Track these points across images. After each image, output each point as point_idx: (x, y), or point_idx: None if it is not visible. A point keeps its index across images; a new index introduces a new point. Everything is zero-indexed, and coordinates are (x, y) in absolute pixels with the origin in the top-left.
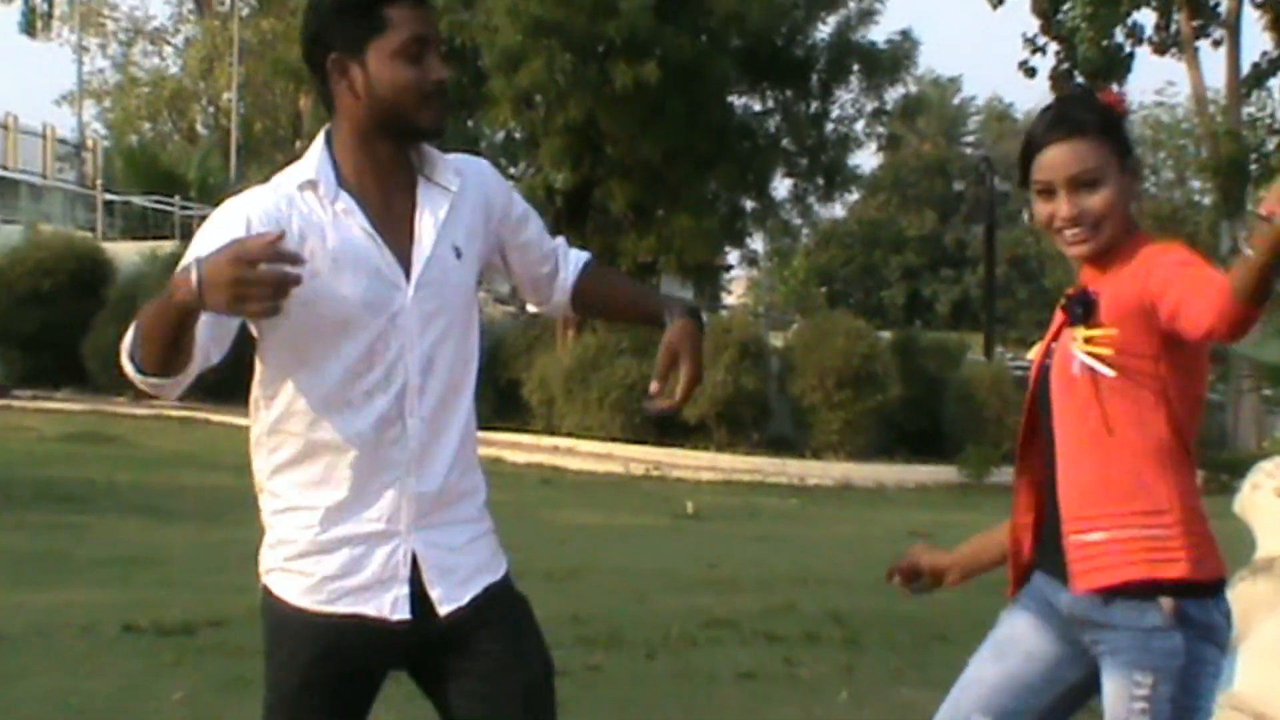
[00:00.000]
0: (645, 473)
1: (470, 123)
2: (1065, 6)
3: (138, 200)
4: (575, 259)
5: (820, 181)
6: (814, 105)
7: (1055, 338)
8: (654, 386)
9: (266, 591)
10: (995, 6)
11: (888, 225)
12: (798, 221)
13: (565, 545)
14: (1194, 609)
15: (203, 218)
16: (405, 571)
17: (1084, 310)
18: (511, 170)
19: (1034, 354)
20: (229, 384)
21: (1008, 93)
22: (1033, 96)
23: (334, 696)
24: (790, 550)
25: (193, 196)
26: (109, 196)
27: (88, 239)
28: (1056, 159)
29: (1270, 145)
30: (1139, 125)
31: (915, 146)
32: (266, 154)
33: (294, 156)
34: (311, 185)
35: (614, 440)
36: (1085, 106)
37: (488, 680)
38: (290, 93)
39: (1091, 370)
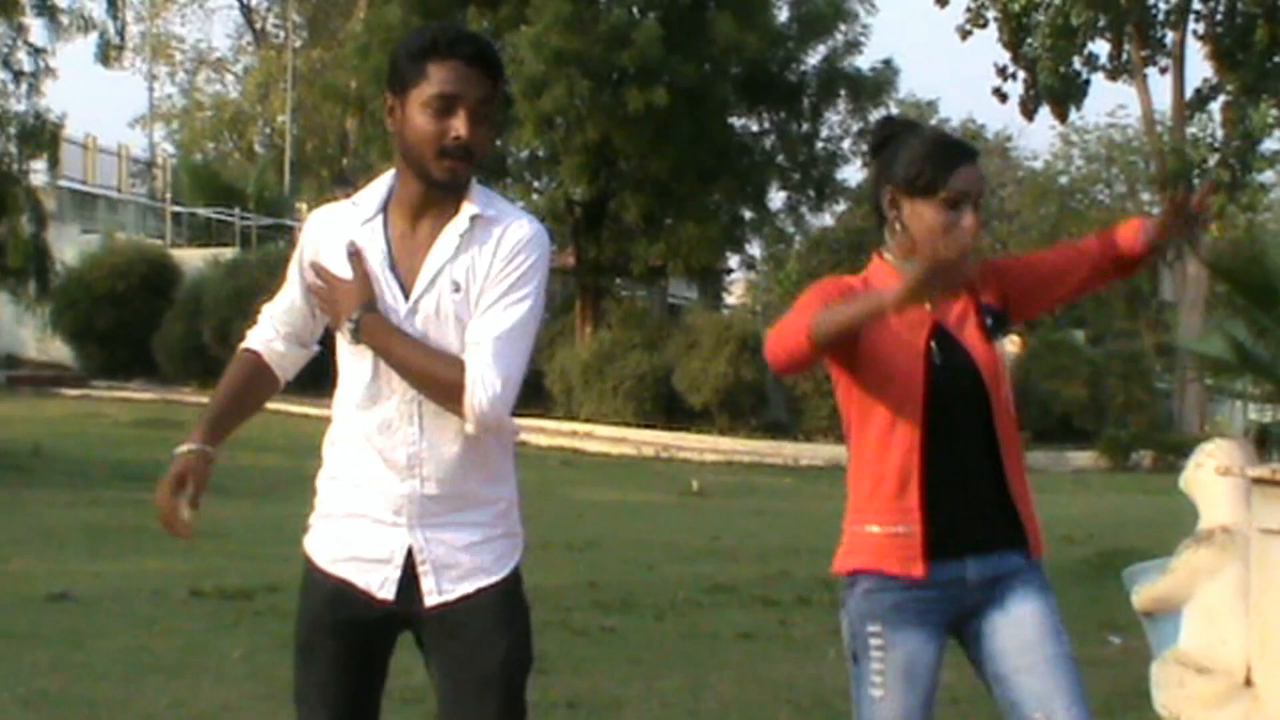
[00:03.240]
0: (655, 454)
1: (499, 142)
2: (1029, 38)
3: (202, 212)
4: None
5: (811, 193)
6: (805, 125)
7: (932, 336)
8: None
9: (304, 546)
10: (964, 38)
11: (871, 233)
12: (791, 229)
13: (583, 519)
14: None
15: (260, 227)
16: (400, 559)
17: (998, 322)
18: (535, 184)
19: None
20: None
21: (979, 114)
22: (1002, 118)
23: (341, 644)
24: (784, 523)
25: (251, 208)
26: (176, 208)
27: (157, 246)
28: (974, 177)
29: (1211, 162)
30: (1094, 144)
31: None
32: (316, 170)
33: (340, 171)
34: (356, 205)
35: (627, 425)
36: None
37: (455, 667)
38: (338, 115)
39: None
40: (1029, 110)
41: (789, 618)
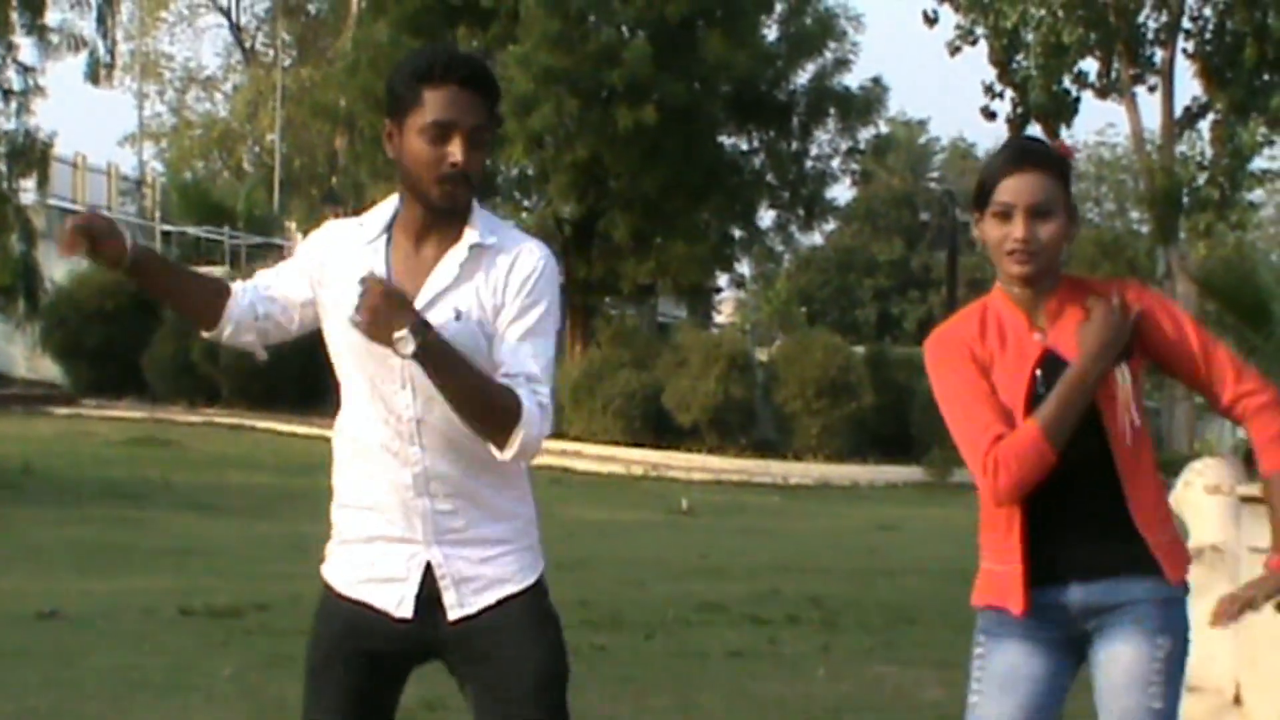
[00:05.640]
0: (644, 473)
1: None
2: (1018, 56)
3: (191, 230)
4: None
5: (800, 212)
6: (795, 144)
7: (1039, 365)
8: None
9: (322, 573)
10: (953, 54)
11: (861, 251)
12: (780, 248)
13: (573, 538)
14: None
15: (249, 246)
16: (417, 576)
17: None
18: (524, 203)
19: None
20: (272, 393)
21: (969, 133)
22: (992, 137)
23: (352, 673)
24: (774, 542)
25: (240, 227)
26: (166, 227)
27: None
28: (1020, 186)
29: (1200, 180)
30: (1084, 162)
31: (885, 181)
32: (305, 188)
33: (329, 190)
34: (362, 225)
35: (616, 444)
36: (1045, 149)
37: (491, 686)
38: (327, 133)
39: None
40: (1017, 128)
41: (778, 636)
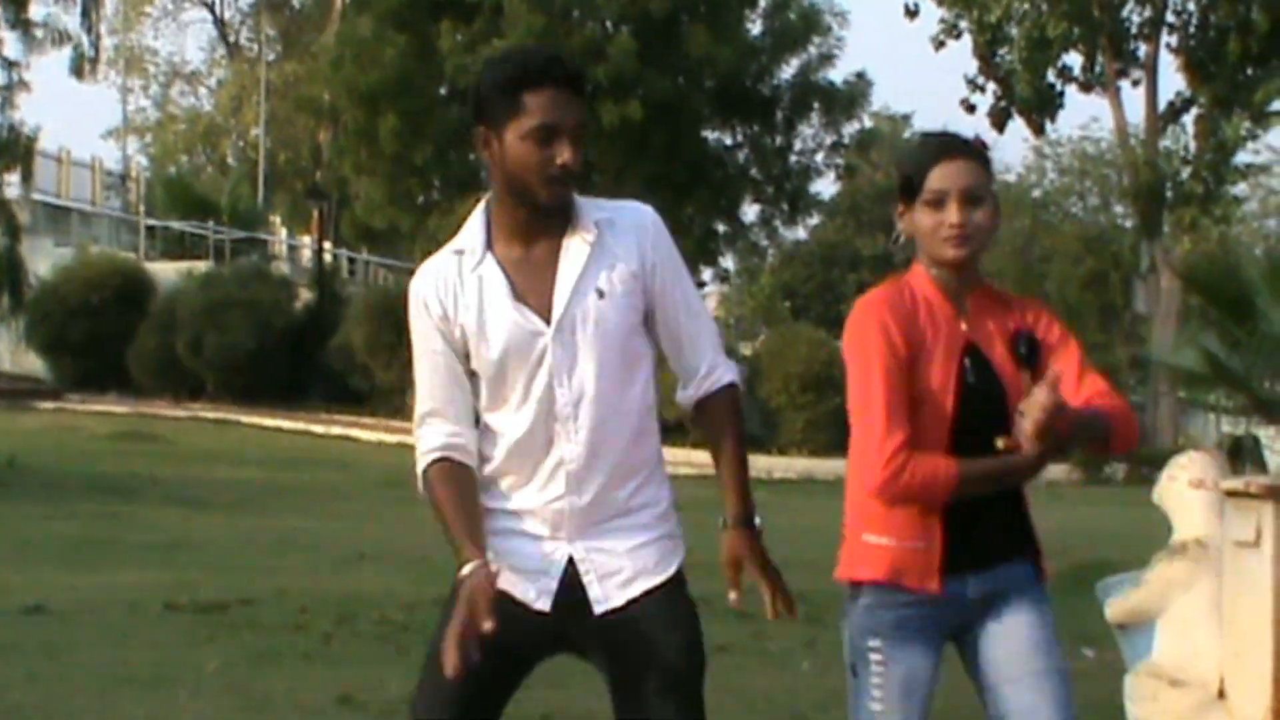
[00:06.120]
0: None
1: (472, 156)
2: (1002, 50)
3: (176, 225)
4: (718, 375)
5: (784, 207)
6: (779, 139)
7: (966, 354)
8: (733, 596)
9: None
10: (938, 49)
11: (845, 246)
12: (764, 242)
13: None
14: None
15: (233, 240)
16: (559, 570)
17: (1030, 352)
18: None
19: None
20: (257, 388)
21: (954, 128)
22: (976, 131)
23: (480, 663)
24: None
25: (224, 221)
26: (150, 221)
27: (131, 259)
28: (952, 172)
29: (1184, 175)
30: (1068, 157)
31: (869, 175)
32: (289, 183)
33: (313, 184)
34: (461, 253)
35: None
36: (968, 140)
37: (631, 673)
38: (311, 127)
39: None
40: (1000, 122)
41: (764, 630)
